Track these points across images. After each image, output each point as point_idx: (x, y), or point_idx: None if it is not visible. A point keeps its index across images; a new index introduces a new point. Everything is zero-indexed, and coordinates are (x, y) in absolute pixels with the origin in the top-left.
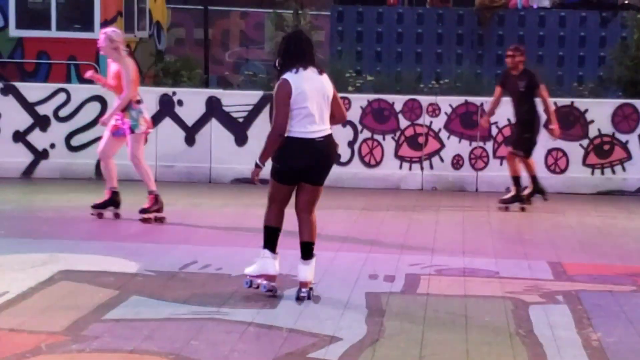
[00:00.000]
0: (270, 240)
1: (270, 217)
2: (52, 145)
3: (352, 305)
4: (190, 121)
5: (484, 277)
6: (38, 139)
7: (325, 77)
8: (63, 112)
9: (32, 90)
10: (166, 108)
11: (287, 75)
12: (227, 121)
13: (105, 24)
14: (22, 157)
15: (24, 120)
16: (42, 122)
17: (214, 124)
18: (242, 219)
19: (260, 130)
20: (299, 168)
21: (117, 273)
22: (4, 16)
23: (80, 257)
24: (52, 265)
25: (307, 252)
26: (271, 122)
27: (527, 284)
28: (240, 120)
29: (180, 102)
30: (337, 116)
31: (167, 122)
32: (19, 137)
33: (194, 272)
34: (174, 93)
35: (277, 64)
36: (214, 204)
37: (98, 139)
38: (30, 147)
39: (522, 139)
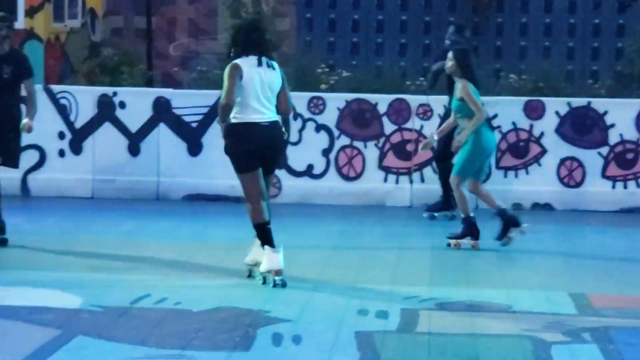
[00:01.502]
0: (267, 236)
1: (256, 214)
2: None
3: (341, 347)
4: (134, 127)
5: (495, 312)
6: None
7: (276, 68)
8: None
9: None
10: (105, 111)
11: (238, 60)
12: (178, 126)
13: (30, 11)
14: None
15: None
16: None
17: (163, 130)
18: (199, 243)
19: (217, 137)
20: (253, 152)
21: (57, 309)
22: None
23: (12, 290)
24: None
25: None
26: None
27: (547, 320)
28: (194, 125)
29: (122, 104)
30: (282, 108)
31: (107, 128)
32: None
33: (148, 307)
34: (115, 93)
35: (231, 53)
36: (164, 225)
37: (25, 148)
38: None
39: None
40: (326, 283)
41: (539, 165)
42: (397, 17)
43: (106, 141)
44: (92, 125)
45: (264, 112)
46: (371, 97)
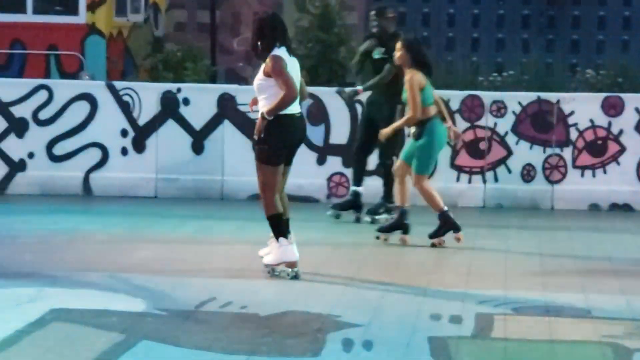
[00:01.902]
0: (282, 227)
1: (272, 205)
2: (31, 155)
3: (414, 352)
4: (198, 124)
5: (573, 317)
6: (13, 147)
7: (296, 59)
8: (44, 114)
9: (6, 88)
10: (169, 108)
11: (277, 52)
12: (244, 123)
13: (92, 5)
14: None
15: None
16: (18, 127)
17: (227, 128)
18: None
19: None
20: (291, 144)
21: (121, 312)
22: None
23: (75, 293)
24: (42, 303)
25: (288, 228)
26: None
27: (629, 326)
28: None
29: (186, 101)
30: (302, 97)
31: (170, 126)
32: None
33: (214, 311)
34: (179, 90)
35: (259, 46)
36: (229, 225)
37: (87, 146)
38: (4, 157)
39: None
40: (398, 286)
41: (618, 164)
42: (469, 10)
43: (169, 139)
44: (155, 123)
45: (298, 105)
46: (443, 94)
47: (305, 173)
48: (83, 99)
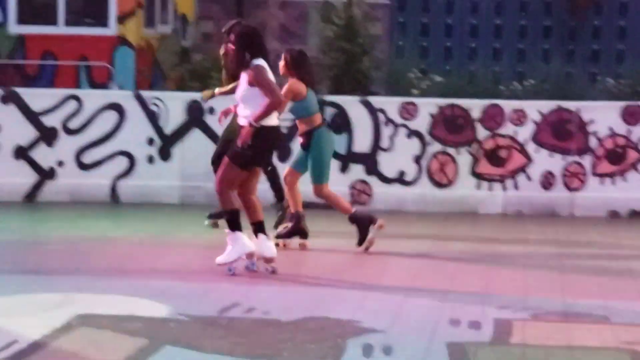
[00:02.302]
0: (238, 221)
1: (231, 200)
2: (60, 163)
3: (433, 358)
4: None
5: (592, 323)
6: (44, 155)
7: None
8: (73, 124)
9: (37, 98)
10: (195, 117)
11: (259, 62)
12: None
13: (122, 17)
14: (24, 177)
15: (27, 133)
16: (48, 136)
17: None
18: (290, 251)
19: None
20: (270, 153)
21: (145, 318)
22: (3, 10)
23: (100, 298)
24: (68, 308)
25: (263, 228)
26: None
27: None
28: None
29: (211, 110)
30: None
31: (196, 134)
32: (21, 153)
33: (237, 316)
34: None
35: (245, 58)
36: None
37: (115, 155)
38: (34, 165)
39: None
40: (417, 291)
41: (637, 171)
42: (492, 21)
43: (195, 147)
44: (181, 132)
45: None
46: (464, 103)
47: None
48: (111, 108)
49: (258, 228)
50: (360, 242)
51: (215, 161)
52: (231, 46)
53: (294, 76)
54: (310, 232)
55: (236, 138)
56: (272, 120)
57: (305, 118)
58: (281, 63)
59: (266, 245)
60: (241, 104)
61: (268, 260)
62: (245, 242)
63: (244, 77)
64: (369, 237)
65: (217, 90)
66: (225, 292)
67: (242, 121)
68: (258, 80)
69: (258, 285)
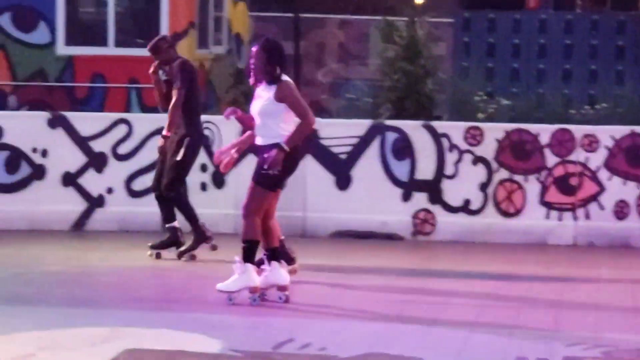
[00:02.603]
0: (254, 254)
1: (257, 230)
2: (110, 190)
3: None
4: None
5: None
6: (92, 182)
7: None
8: (123, 149)
9: (86, 122)
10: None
11: (287, 78)
12: (326, 158)
13: (174, 38)
14: (72, 205)
15: (75, 158)
16: (97, 161)
17: (309, 162)
18: (346, 283)
19: (368, 170)
20: (291, 172)
21: (196, 353)
22: (52, 30)
23: (149, 332)
24: (116, 343)
25: (278, 255)
26: (304, 117)
27: None
28: (343, 157)
29: None
30: None
31: (251, 160)
32: (70, 179)
33: (292, 352)
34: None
35: (276, 72)
36: (310, 263)
37: None
38: (82, 192)
39: None
40: (483, 326)
41: None
42: (561, 41)
43: (250, 174)
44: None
45: None
46: (532, 127)
47: (390, 209)
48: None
49: (272, 255)
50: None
51: (157, 187)
52: (253, 60)
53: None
54: (368, 266)
55: (169, 156)
56: None
57: None
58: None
59: (280, 273)
60: (262, 119)
61: (281, 288)
62: (253, 276)
63: (265, 91)
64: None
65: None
66: (278, 325)
67: (260, 140)
68: (290, 99)
69: (311, 319)
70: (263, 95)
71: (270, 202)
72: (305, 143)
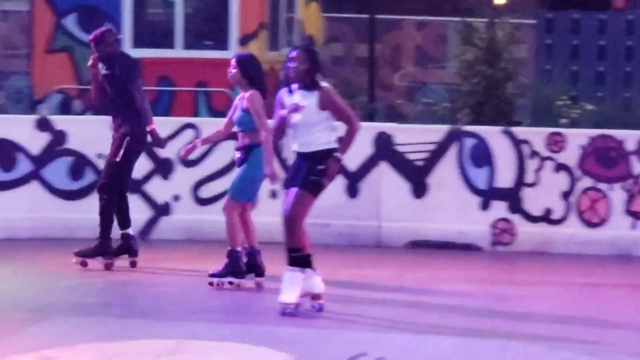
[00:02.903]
0: (308, 260)
1: (307, 240)
2: (176, 198)
3: None
4: (352, 165)
5: None
6: (158, 189)
7: None
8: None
9: None
10: None
11: (326, 84)
12: (402, 165)
13: (244, 39)
14: (138, 213)
15: (140, 165)
16: (163, 168)
17: (384, 169)
18: (424, 295)
19: (445, 177)
20: None
21: None
22: (118, 32)
23: (217, 346)
24: (181, 356)
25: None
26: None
27: None
28: (419, 163)
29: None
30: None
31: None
32: (134, 187)
33: None
34: (333, 128)
35: (316, 77)
36: (385, 274)
37: None
38: (148, 199)
39: None
40: (563, 342)
41: None
42: None
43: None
44: None
45: None
46: (618, 133)
47: (468, 219)
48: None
49: (306, 262)
50: (218, 275)
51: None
52: (295, 64)
53: (247, 84)
54: (445, 278)
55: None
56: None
57: (252, 132)
58: (232, 70)
59: (314, 281)
60: (303, 128)
61: (316, 297)
62: (314, 281)
63: (302, 98)
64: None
65: (198, 140)
66: (349, 338)
67: (302, 148)
68: (335, 105)
69: (384, 332)
70: (300, 102)
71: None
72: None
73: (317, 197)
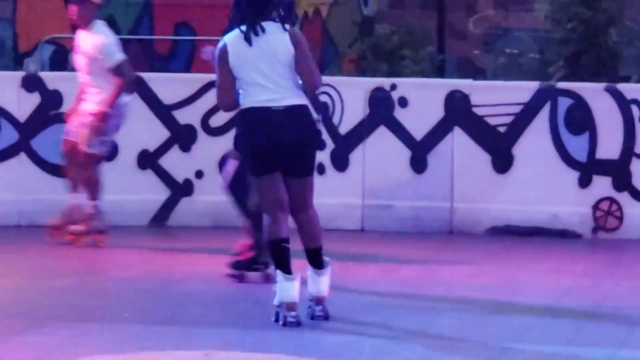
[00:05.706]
0: (283, 258)
1: (271, 227)
2: (199, 174)
3: None
4: (419, 133)
5: None
6: (177, 163)
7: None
8: (216, 121)
9: (168, 86)
10: (380, 111)
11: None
12: (480, 132)
13: None
14: (152, 194)
15: (154, 133)
16: (183, 137)
17: (459, 137)
18: (507, 294)
19: (534, 147)
20: (261, 148)
21: None
22: None
23: (250, 357)
24: None
25: (315, 260)
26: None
27: None
28: (502, 129)
29: (402, 102)
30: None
31: (383, 134)
32: (148, 160)
33: None
34: (393, 87)
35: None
36: (459, 268)
37: None
38: (165, 176)
39: None
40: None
41: None
42: None
43: (381, 153)
44: (361, 131)
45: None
46: None
47: (563, 199)
48: None
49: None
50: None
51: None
52: None
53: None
54: (536, 271)
55: None
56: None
57: None
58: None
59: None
60: (282, 69)
61: (289, 306)
62: (285, 288)
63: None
64: None
65: None
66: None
67: (285, 101)
68: (303, 47)
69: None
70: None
71: (275, 191)
72: None
73: (254, 172)
